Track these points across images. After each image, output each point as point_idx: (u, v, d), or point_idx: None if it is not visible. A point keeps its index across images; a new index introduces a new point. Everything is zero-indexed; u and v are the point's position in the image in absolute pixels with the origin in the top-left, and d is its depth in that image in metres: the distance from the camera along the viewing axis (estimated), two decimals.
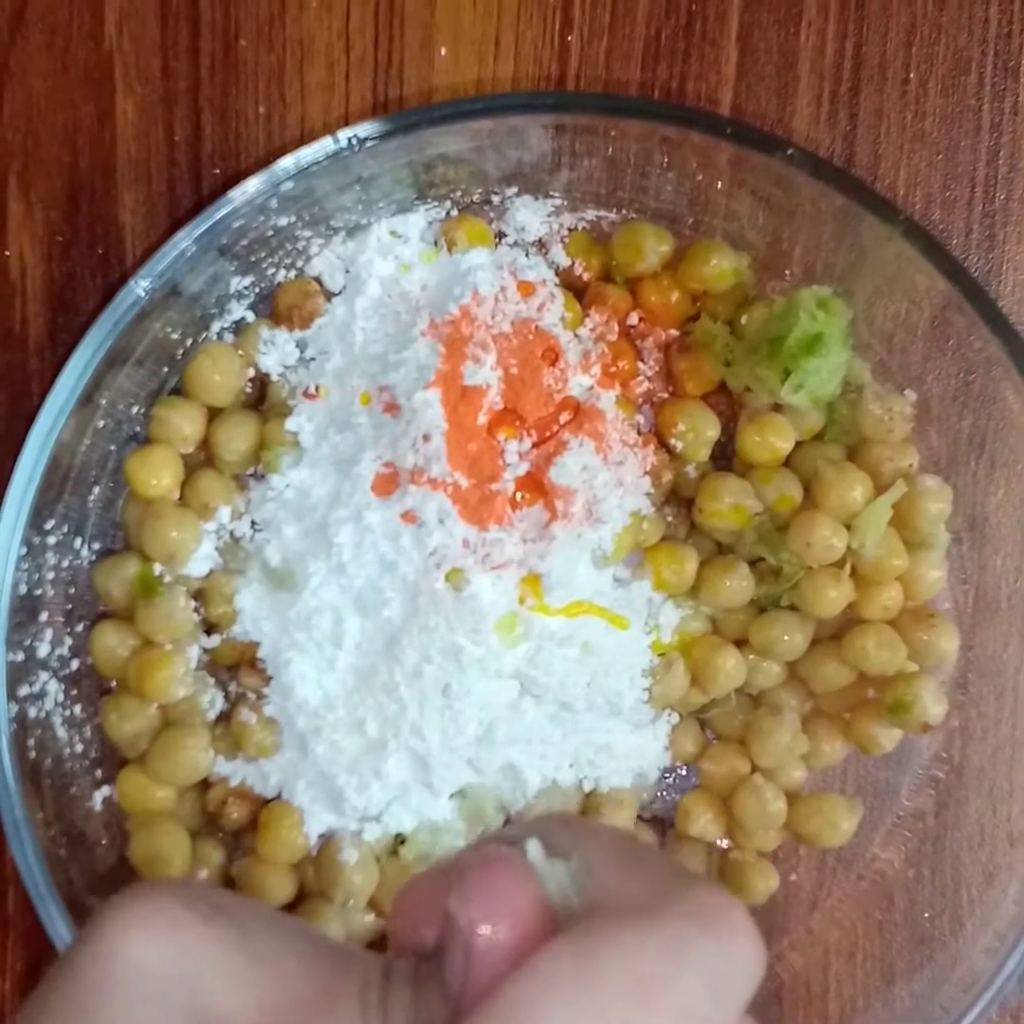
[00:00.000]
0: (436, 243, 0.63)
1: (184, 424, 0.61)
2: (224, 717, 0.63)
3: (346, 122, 0.64)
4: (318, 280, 0.63)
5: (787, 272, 0.63)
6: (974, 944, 0.63)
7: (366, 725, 0.59)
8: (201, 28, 0.64)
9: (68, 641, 0.62)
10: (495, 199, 0.63)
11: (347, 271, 0.63)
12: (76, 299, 0.64)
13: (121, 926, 0.32)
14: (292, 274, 0.63)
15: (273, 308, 0.63)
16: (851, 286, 0.61)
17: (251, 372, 0.63)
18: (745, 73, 0.64)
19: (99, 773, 0.62)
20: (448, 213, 0.63)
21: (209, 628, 0.63)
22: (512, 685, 0.61)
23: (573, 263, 0.64)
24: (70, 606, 0.62)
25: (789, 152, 0.59)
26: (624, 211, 0.64)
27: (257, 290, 0.63)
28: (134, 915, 0.33)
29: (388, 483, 0.59)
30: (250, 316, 0.63)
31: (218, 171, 0.64)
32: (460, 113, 0.59)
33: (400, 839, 0.62)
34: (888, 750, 0.64)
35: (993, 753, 0.65)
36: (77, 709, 0.62)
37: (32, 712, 0.60)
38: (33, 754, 0.60)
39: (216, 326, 0.63)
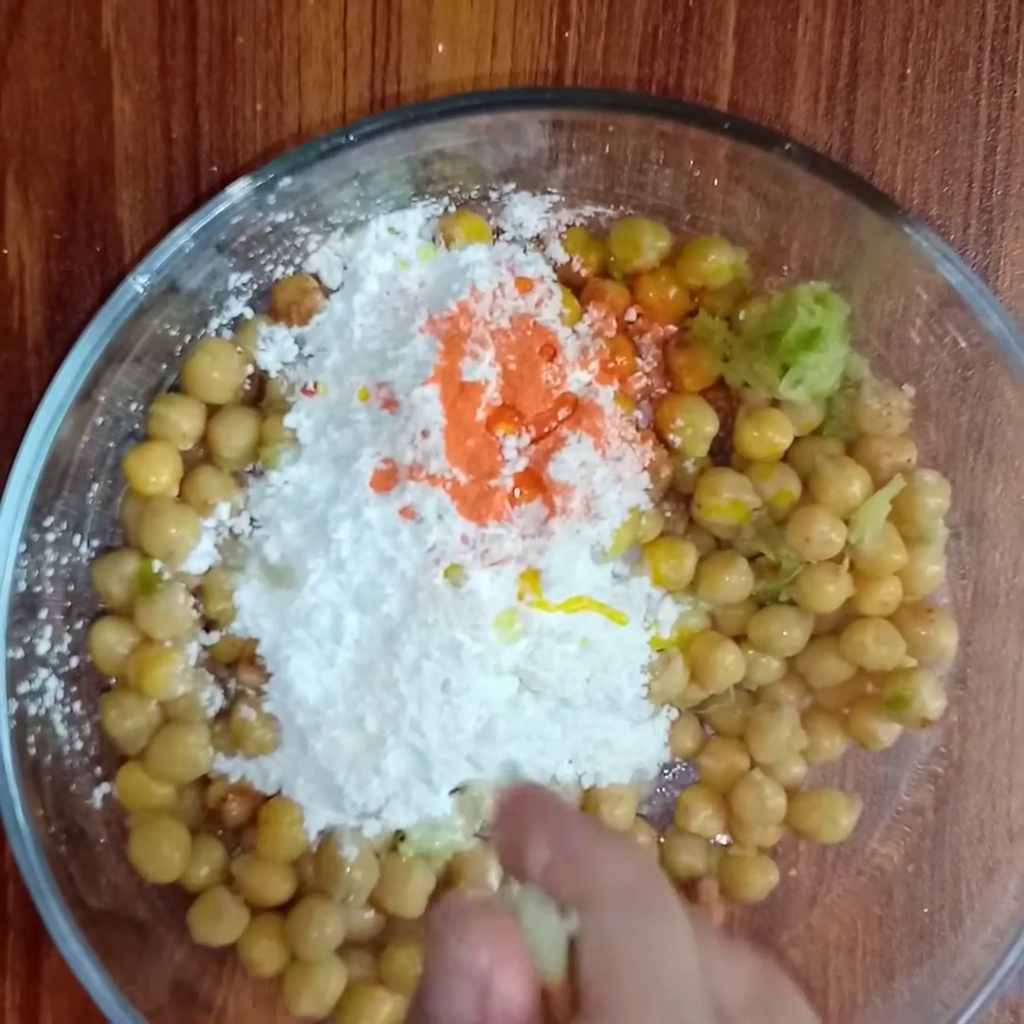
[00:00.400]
0: (434, 239, 0.63)
1: (183, 421, 0.61)
2: (224, 714, 0.63)
3: (344, 119, 0.64)
4: (316, 277, 0.63)
5: (785, 267, 0.63)
6: (974, 939, 0.63)
7: (365, 721, 0.59)
8: (198, 26, 0.64)
9: (68, 638, 0.62)
10: (493, 195, 0.63)
11: (345, 268, 0.63)
12: (74, 297, 0.64)
13: None
14: (290, 271, 0.63)
15: (271, 305, 0.63)
16: (849, 281, 0.61)
17: (250, 369, 0.63)
18: (742, 69, 0.64)
19: (99, 770, 0.63)
20: (446, 209, 0.63)
21: (208, 625, 0.63)
22: (511, 681, 0.61)
23: (571, 259, 0.64)
24: (69, 603, 0.62)
25: (787, 147, 0.59)
26: (622, 207, 0.64)
27: (255, 287, 0.63)
28: None
29: (387, 479, 0.59)
30: (248, 313, 0.63)
31: (216, 168, 0.64)
32: (458, 109, 0.59)
33: (400, 835, 0.62)
34: (887, 745, 0.64)
35: (992, 748, 0.65)
36: (77, 706, 0.62)
37: (32, 709, 0.60)
38: (33, 751, 0.60)
39: (214, 323, 0.63)
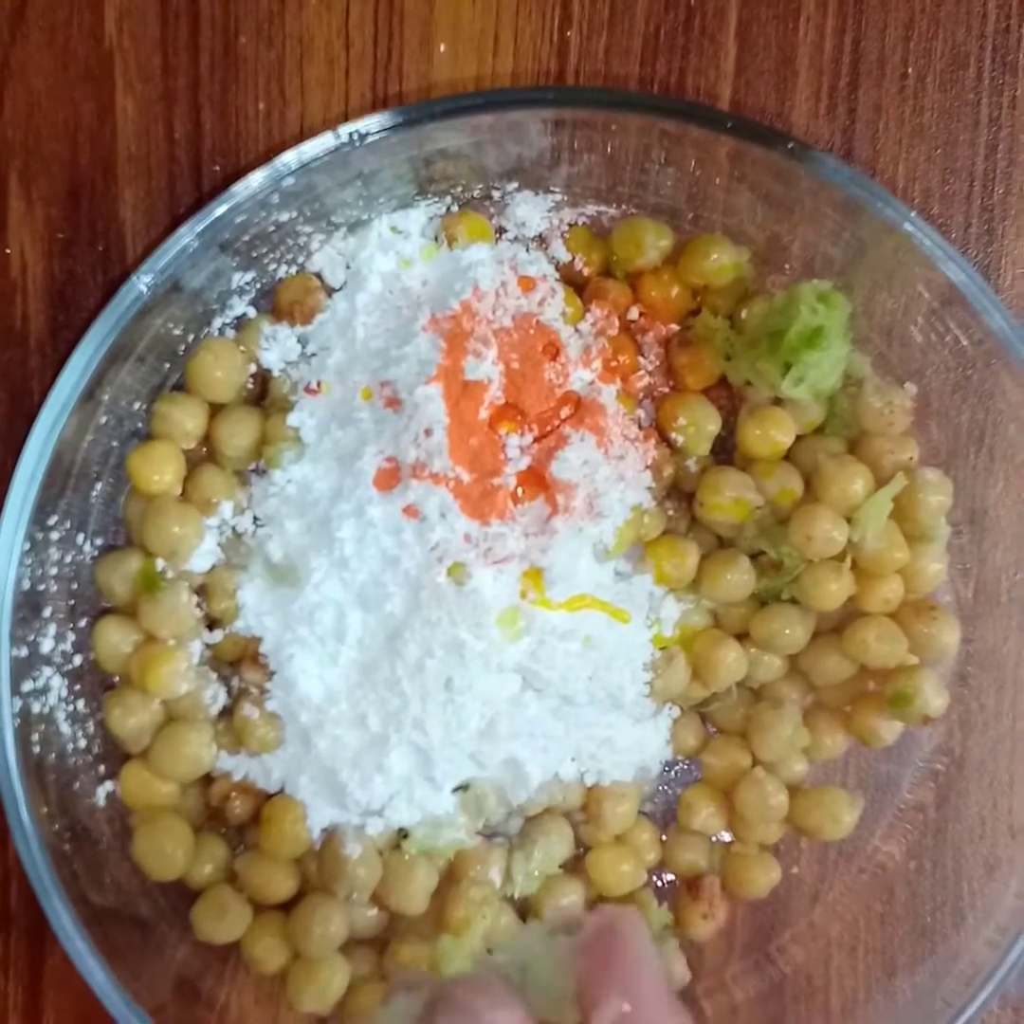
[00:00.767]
0: (437, 238, 0.63)
1: (186, 420, 0.61)
2: (227, 712, 0.63)
3: (346, 118, 0.64)
4: (319, 276, 0.63)
5: (787, 266, 0.63)
6: (975, 937, 0.63)
7: (368, 719, 0.60)
8: (201, 25, 0.64)
9: (71, 637, 0.62)
10: (495, 194, 0.63)
11: (348, 267, 0.63)
12: (77, 296, 0.64)
13: None
14: (293, 270, 0.63)
15: (274, 304, 0.63)
16: (851, 280, 0.61)
17: (253, 368, 0.63)
18: (744, 68, 0.64)
19: (102, 768, 0.63)
20: (448, 209, 0.64)
21: (211, 623, 0.63)
22: (514, 679, 0.61)
23: (573, 258, 0.64)
24: (73, 602, 0.62)
25: (789, 146, 0.59)
26: (624, 206, 0.64)
27: (258, 286, 0.63)
28: None
29: (390, 478, 0.59)
30: (252, 312, 0.63)
31: (218, 168, 0.64)
32: (460, 108, 0.59)
33: (403, 833, 0.62)
34: (889, 743, 0.64)
35: (994, 746, 0.65)
36: (80, 704, 0.62)
37: (36, 707, 0.60)
38: (37, 749, 0.60)
39: (218, 322, 0.63)
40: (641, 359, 0.63)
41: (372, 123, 0.59)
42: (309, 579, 0.60)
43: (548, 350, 0.60)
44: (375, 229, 0.62)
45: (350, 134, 0.59)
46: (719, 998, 0.66)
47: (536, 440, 0.60)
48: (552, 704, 0.62)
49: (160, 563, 0.61)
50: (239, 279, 0.62)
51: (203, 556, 0.61)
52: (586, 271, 0.64)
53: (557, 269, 0.64)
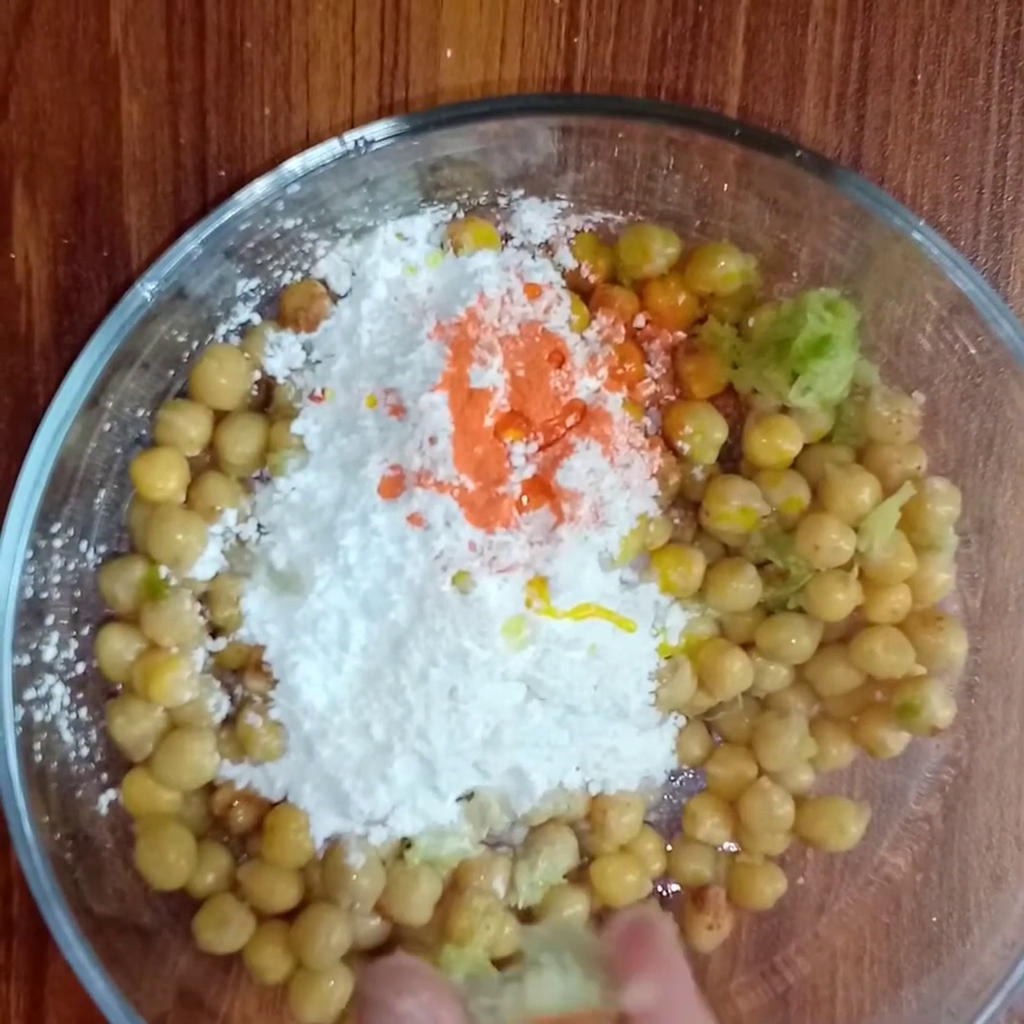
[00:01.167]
0: (442, 245, 0.63)
1: (190, 427, 0.61)
2: (230, 720, 0.63)
3: (352, 125, 0.64)
4: (324, 283, 0.63)
5: (794, 274, 0.63)
6: (983, 948, 0.63)
7: (372, 728, 0.59)
8: (206, 30, 0.64)
9: (74, 644, 0.62)
10: (501, 201, 0.63)
11: (353, 274, 0.63)
12: (82, 302, 0.64)
13: None
14: (298, 277, 0.63)
15: (279, 311, 0.63)
16: (859, 288, 0.61)
17: (257, 375, 0.63)
18: (752, 75, 0.64)
19: (105, 776, 0.62)
20: (454, 215, 0.63)
21: (215, 631, 0.63)
22: (519, 688, 0.61)
23: (580, 265, 0.64)
24: (76, 609, 0.62)
25: (798, 154, 0.58)
26: (631, 213, 0.64)
27: (263, 293, 0.63)
28: None
29: (394, 486, 0.59)
30: (256, 319, 0.63)
31: (223, 173, 0.64)
32: (466, 115, 0.59)
33: (406, 843, 0.62)
34: (896, 753, 0.64)
35: (1001, 756, 0.65)
36: (83, 712, 0.62)
37: (38, 715, 0.60)
38: (39, 757, 0.60)
39: (222, 329, 0.63)
40: (647, 367, 0.63)
41: (378, 130, 0.59)
42: (313, 587, 0.60)
43: (554, 358, 0.60)
44: (380, 236, 0.62)
45: (355, 141, 0.59)
46: (724, 1009, 0.66)
47: (541, 448, 0.60)
48: (557, 713, 0.61)
49: (164, 570, 0.61)
50: (244, 286, 0.62)
51: (207, 564, 0.61)
52: (592, 278, 0.64)
53: (563, 276, 0.63)
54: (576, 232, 0.64)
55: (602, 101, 0.62)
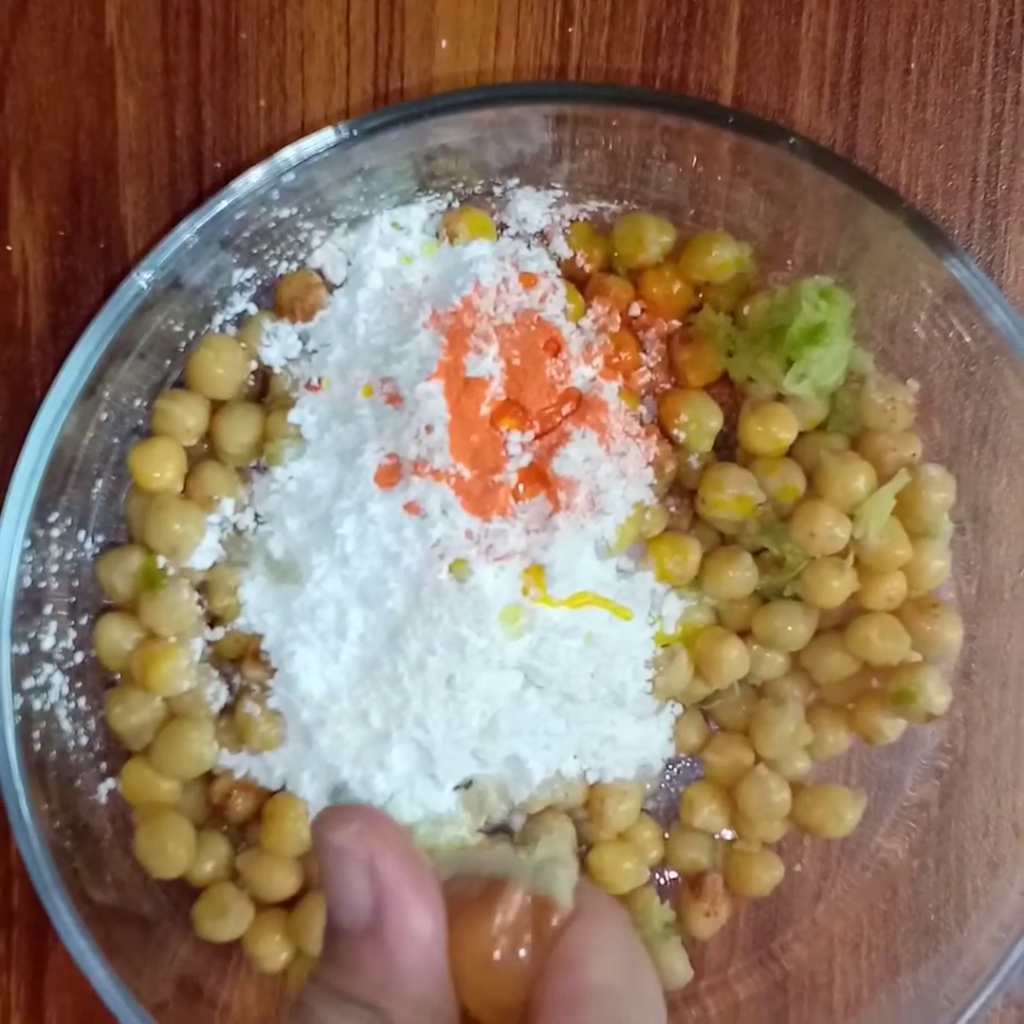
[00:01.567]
0: (438, 235, 0.63)
1: (187, 417, 0.61)
2: (228, 709, 0.63)
3: (347, 115, 0.64)
4: (320, 272, 0.63)
5: (789, 262, 0.63)
6: (979, 935, 0.63)
7: (370, 717, 0.59)
8: (201, 22, 0.64)
9: (72, 634, 0.62)
10: (497, 191, 0.63)
11: (349, 263, 0.63)
12: (78, 293, 0.64)
13: None
14: (294, 266, 0.63)
15: (275, 300, 0.63)
16: (853, 276, 0.61)
17: (253, 364, 0.63)
18: (746, 64, 0.64)
19: (104, 766, 0.63)
20: (450, 205, 0.63)
21: (213, 620, 0.63)
22: (516, 676, 0.61)
23: (575, 254, 0.64)
24: (74, 599, 0.62)
25: (791, 141, 0.58)
26: (625, 202, 0.64)
27: (259, 282, 0.63)
28: None
29: (391, 475, 0.59)
30: (252, 308, 0.63)
31: (219, 165, 0.64)
32: (461, 103, 0.59)
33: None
34: (892, 740, 0.64)
35: (997, 743, 0.65)
36: (82, 702, 0.62)
37: (37, 705, 0.60)
38: (38, 747, 0.60)
39: (218, 319, 0.63)
40: (643, 355, 0.63)
41: (373, 119, 0.59)
42: (310, 576, 0.60)
43: (549, 346, 0.60)
44: (376, 225, 0.62)
45: (351, 130, 0.59)
46: (722, 996, 0.66)
47: (537, 437, 0.60)
48: (554, 701, 0.61)
49: (161, 560, 0.61)
50: (240, 276, 0.62)
51: (204, 553, 0.61)
52: (587, 267, 0.64)
53: (558, 265, 0.63)
54: (571, 221, 0.64)
55: (596, 89, 0.62)
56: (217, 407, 0.62)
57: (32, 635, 0.60)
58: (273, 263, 0.63)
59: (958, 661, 0.65)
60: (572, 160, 0.62)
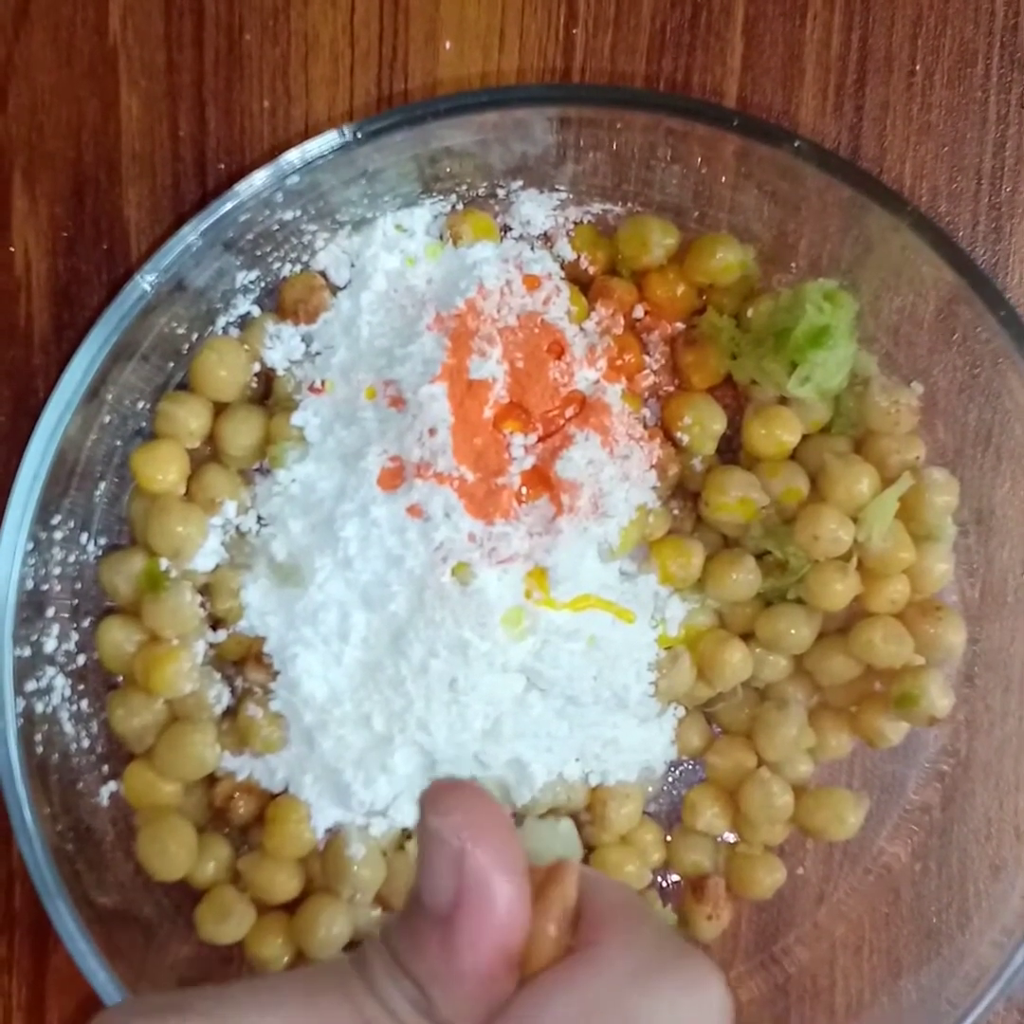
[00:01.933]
0: (441, 237, 0.63)
1: (190, 419, 0.61)
2: (231, 712, 0.63)
3: (351, 116, 0.64)
4: (323, 274, 0.63)
5: (793, 265, 0.63)
6: (981, 938, 0.63)
7: (373, 719, 0.59)
8: (205, 22, 0.64)
9: (75, 636, 0.62)
10: (500, 193, 0.63)
11: (352, 265, 0.63)
12: (81, 294, 0.64)
13: None
14: (297, 268, 0.63)
15: (279, 303, 0.63)
16: (857, 278, 0.61)
17: (257, 367, 0.63)
18: (751, 66, 0.64)
19: (106, 768, 0.63)
20: (453, 207, 0.63)
21: (215, 623, 0.63)
22: (519, 679, 0.61)
23: (579, 257, 0.64)
24: (76, 601, 0.62)
25: (796, 144, 0.58)
26: (629, 204, 0.64)
27: (263, 285, 0.63)
28: None
29: (394, 477, 0.59)
30: (256, 311, 0.63)
31: (223, 166, 0.64)
32: (465, 106, 0.59)
33: (407, 834, 0.62)
34: (895, 743, 0.64)
35: (1000, 746, 0.65)
36: (84, 704, 0.62)
37: (39, 707, 0.60)
38: (40, 749, 0.60)
39: (222, 321, 0.63)
40: (646, 358, 0.63)
41: (377, 121, 0.59)
42: (313, 579, 0.60)
43: (553, 349, 0.60)
44: (380, 227, 0.62)
45: (354, 132, 0.59)
46: None
47: (541, 439, 0.60)
48: (557, 704, 0.61)
49: (164, 563, 0.61)
50: (243, 278, 0.62)
51: (207, 555, 0.61)
52: (591, 270, 0.64)
53: (562, 267, 0.63)
54: (575, 223, 0.64)
55: (601, 91, 0.62)
56: (220, 409, 0.62)
57: (34, 638, 0.60)
58: (277, 265, 0.63)
59: (961, 664, 0.65)
60: (576, 162, 0.62)
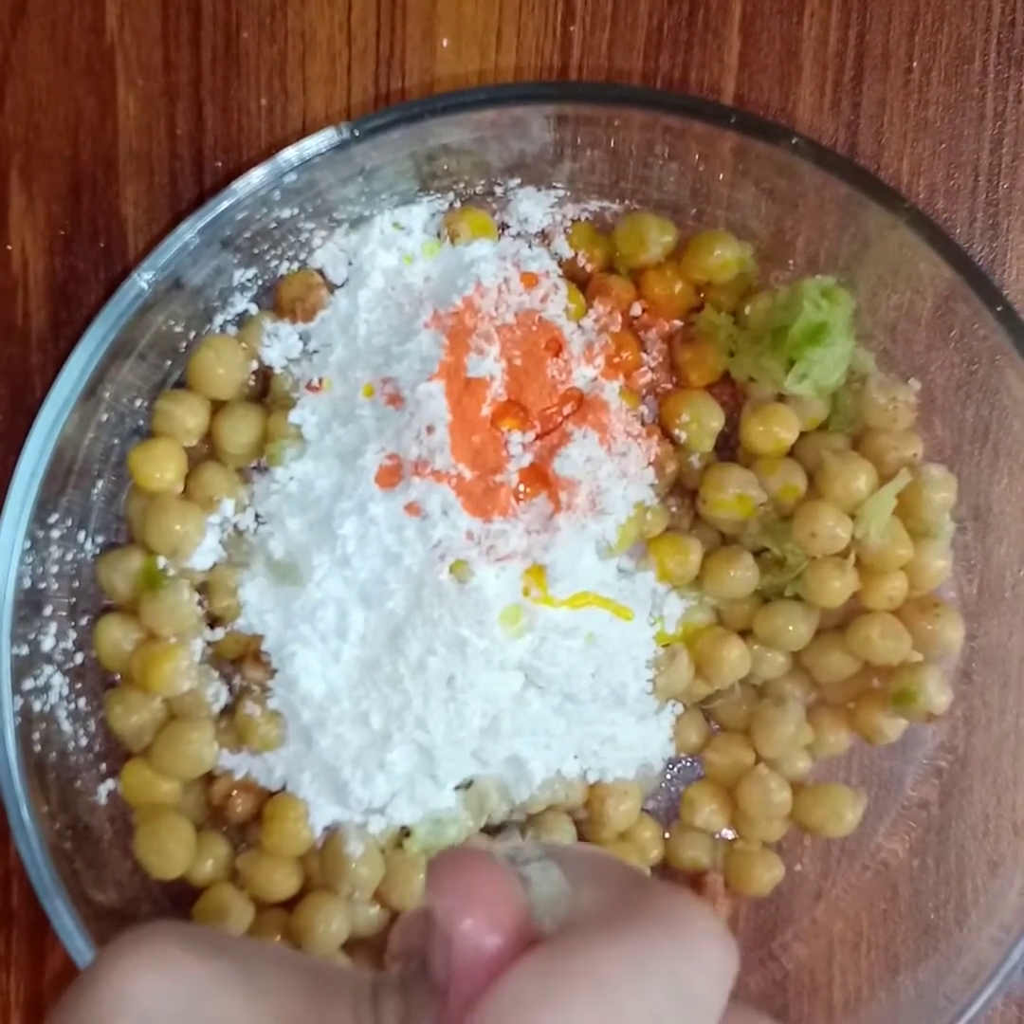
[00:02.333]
0: (439, 235, 0.63)
1: (187, 417, 0.61)
2: (229, 710, 0.63)
3: (348, 114, 0.64)
4: (321, 272, 0.63)
5: (791, 262, 0.63)
6: (979, 934, 0.63)
7: (371, 717, 0.59)
8: (202, 20, 0.63)
9: (72, 635, 0.62)
10: (498, 190, 0.63)
11: (350, 263, 0.63)
12: (78, 292, 0.64)
13: (123, 970, 0.33)
14: (295, 266, 0.63)
15: (276, 301, 0.63)
16: (855, 275, 0.61)
17: (254, 365, 0.63)
18: (748, 62, 0.64)
19: (104, 766, 0.63)
20: (451, 205, 0.63)
21: (213, 621, 0.63)
22: (517, 677, 0.61)
23: (576, 254, 0.64)
24: (74, 600, 0.62)
25: (794, 141, 0.58)
26: (627, 202, 0.64)
27: (260, 283, 0.63)
28: (136, 958, 0.33)
29: (392, 475, 0.59)
30: (253, 309, 0.63)
31: (220, 164, 0.64)
32: (462, 104, 0.59)
33: (405, 831, 0.62)
34: (893, 740, 0.64)
35: (998, 742, 0.65)
36: (82, 702, 0.62)
37: (37, 706, 0.60)
38: (38, 748, 0.60)
39: (219, 319, 0.63)
40: (644, 355, 0.63)
41: (374, 119, 0.59)
42: (311, 577, 0.60)
43: (551, 347, 0.60)
44: (377, 225, 0.62)
45: (352, 130, 0.59)
46: None
47: (538, 437, 0.60)
48: (555, 701, 0.61)
49: (161, 561, 0.61)
50: (241, 276, 0.62)
51: (205, 554, 0.61)
52: (589, 267, 0.64)
53: (560, 265, 0.63)
54: (572, 221, 0.64)
55: (598, 89, 0.62)
56: (218, 407, 0.62)
57: (32, 636, 0.60)
58: (274, 263, 0.63)
59: (959, 660, 0.65)
60: (574, 160, 0.62)
